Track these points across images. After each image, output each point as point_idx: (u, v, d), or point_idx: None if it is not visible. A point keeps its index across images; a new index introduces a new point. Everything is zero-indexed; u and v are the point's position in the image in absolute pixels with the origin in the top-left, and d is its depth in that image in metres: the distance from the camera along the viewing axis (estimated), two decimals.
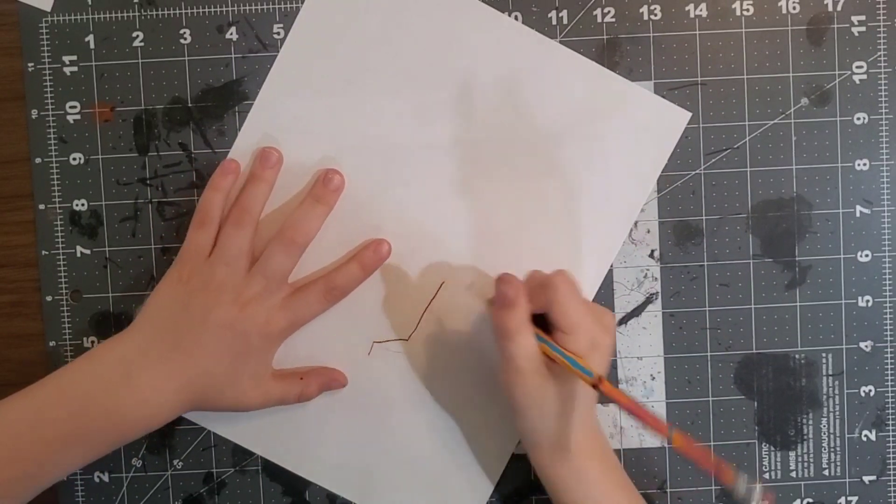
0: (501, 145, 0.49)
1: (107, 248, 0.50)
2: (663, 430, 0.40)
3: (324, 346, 0.49)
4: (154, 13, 0.50)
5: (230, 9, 0.50)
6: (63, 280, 0.50)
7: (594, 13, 0.50)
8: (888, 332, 0.51)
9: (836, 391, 0.51)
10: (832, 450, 0.51)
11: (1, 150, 0.50)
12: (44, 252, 0.50)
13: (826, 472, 0.51)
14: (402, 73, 0.49)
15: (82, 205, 0.50)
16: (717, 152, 0.50)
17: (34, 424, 0.42)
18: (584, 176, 0.49)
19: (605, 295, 0.50)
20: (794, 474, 0.51)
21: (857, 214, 0.50)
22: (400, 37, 0.49)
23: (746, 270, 0.50)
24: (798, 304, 0.50)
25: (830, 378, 0.51)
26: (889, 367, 0.51)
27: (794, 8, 0.50)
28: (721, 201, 0.50)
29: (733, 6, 0.50)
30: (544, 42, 0.49)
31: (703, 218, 0.50)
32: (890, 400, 0.51)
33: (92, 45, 0.50)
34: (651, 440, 0.51)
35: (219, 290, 0.45)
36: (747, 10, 0.50)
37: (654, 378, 0.51)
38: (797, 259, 0.50)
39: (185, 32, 0.50)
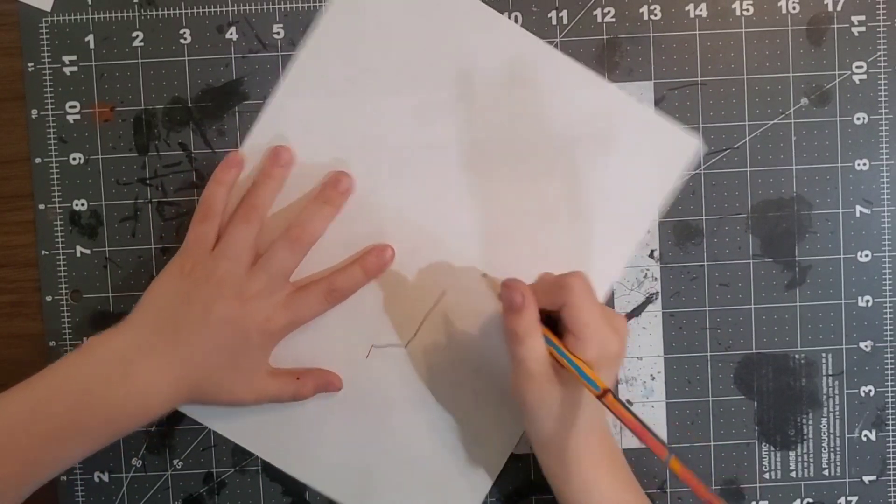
0: (508, 148, 0.49)
1: (107, 248, 0.50)
2: (662, 454, 0.39)
3: (323, 346, 0.49)
4: (154, 13, 0.50)
5: (230, 9, 0.50)
6: (63, 280, 0.50)
7: (594, 13, 0.50)
8: (888, 332, 0.51)
9: (836, 391, 0.51)
10: (832, 450, 0.51)
11: (1, 150, 0.50)
12: (44, 252, 0.50)
13: (826, 472, 0.51)
14: (414, 73, 0.49)
15: (82, 205, 0.50)
16: (717, 152, 0.50)
17: (30, 420, 0.42)
18: (589, 189, 0.49)
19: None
20: (794, 474, 0.51)
21: (857, 214, 0.50)
22: (411, 38, 0.49)
23: (746, 270, 0.50)
24: (798, 304, 0.50)
25: (830, 378, 0.51)
26: (889, 367, 0.51)
27: (794, 8, 0.50)
28: (721, 201, 0.50)
29: (733, 6, 0.50)
30: (561, 59, 0.49)
31: (703, 218, 0.50)
32: (890, 400, 0.51)
33: (92, 45, 0.50)
34: None
35: (221, 283, 0.45)
36: (747, 10, 0.50)
37: (654, 378, 0.51)
38: (797, 259, 0.50)
39: (185, 32, 0.50)
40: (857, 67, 0.50)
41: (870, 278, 0.50)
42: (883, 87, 0.50)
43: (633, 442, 0.51)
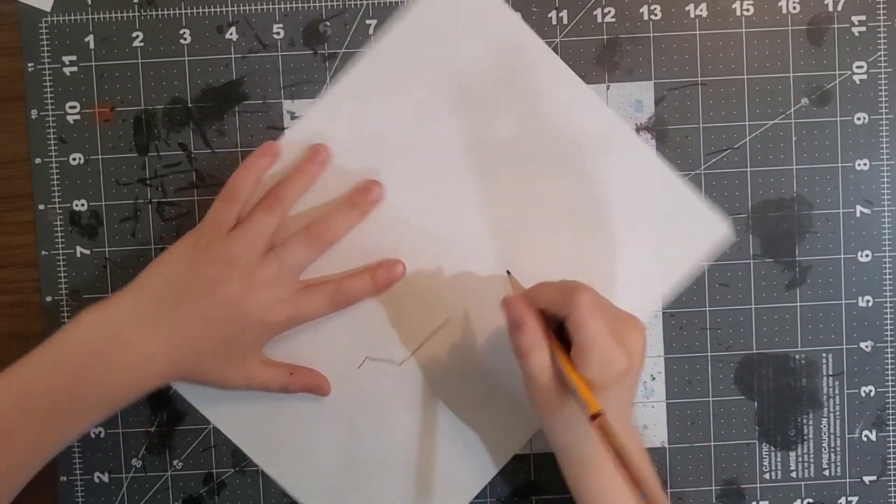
0: (529, 155, 0.49)
1: (107, 249, 0.50)
2: (636, 492, 0.38)
3: (319, 348, 0.49)
4: (154, 13, 0.50)
5: (230, 9, 0.50)
6: (63, 280, 0.50)
7: (594, 13, 0.50)
8: (888, 332, 0.50)
9: (837, 391, 0.51)
10: (832, 450, 0.51)
11: (1, 150, 0.50)
12: (44, 252, 0.50)
13: (826, 473, 0.51)
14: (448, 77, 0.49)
15: (82, 205, 0.50)
16: (717, 152, 0.50)
17: (26, 399, 0.42)
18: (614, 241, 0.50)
19: None
20: (794, 474, 0.51)
21: (858, 214, 0.50)
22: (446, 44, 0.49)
23: (746, 270, 0.50)
24: (798, 304, 0.50)
25: (831, 378, 0.51)
26: (889, 367, 0.51)
27: (795, 8, 0.50)
28: (721, 201, 0.50)
29: (733, 6, 0.50)
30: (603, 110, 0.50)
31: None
32: (890, 400, 0.51)
33: (92, 45, 0.50)
34: (651, 440, 0.51)
35: (230, 265, 0.45)
36: (747, 10, 0.50)
37: (654, 378, 0.50)
38: (797, 259, 0.50)
39: (184, 32, 0.50)
40: (857, 67, 0.50)
41: (870, 278, 0.50)
42: (883, 87, 0.50)
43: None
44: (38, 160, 0.50)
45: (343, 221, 0.48)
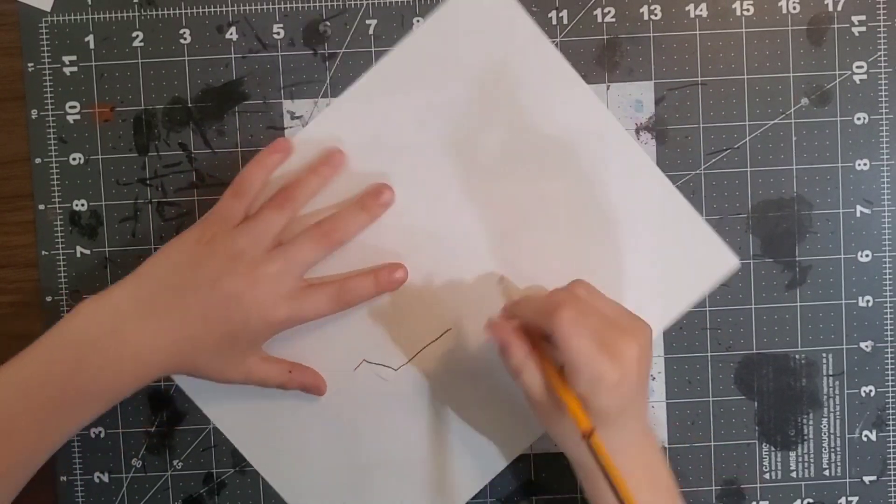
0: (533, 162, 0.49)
1: (107, 249, 0.50)
2: None
3: (317, 346, 0.49)
4: (154, 13, 0.50)
5: (230, 9, 0.50)
6: (63, 280, 0.50)
7: (594, 13, 0.50)
8: (888, 332, 0.50)
9: (837, 391, 0.51)
10: (832, 450, 0.51)
11: (1, 150, 0.50)
12: (44, 252, 0.50)
13: (826, 473, 0.51)
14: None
15: (82, 205, 0.50)
16: (717, 152, 0.50)
17: (26, 389, 0.42)
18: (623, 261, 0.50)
19: None
20: (794, 474, 0.51)
21: (858, 214, 0.50)
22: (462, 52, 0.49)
23: (746, 270, 0.50)
24: (798, 304, 0.50)
25: (831, 378, 0.51)
26: (889, 367, 0.51)
27: (795, 8, 0.50)
28: (721, 201, 0.50)
29: (733, 6, 0.50)
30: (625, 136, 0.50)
31: (704, 218, 0.50)
32: (890, 400, 0.51)
33: (92, 45, 0.50)
34: None
35: (235, 259, 0.44)
36: (747, 10, 0.50)
37: (654, 378, 0.50)
38: (797, 259, 0.50)
39: (184, 32, 0.50)
40: (857, 67, 0.50)
41: (870, 278, 0.50)
42: (883, 87, 0.50)
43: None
44: (38, 160, 0.50)
45: (352, 223, 0.48)
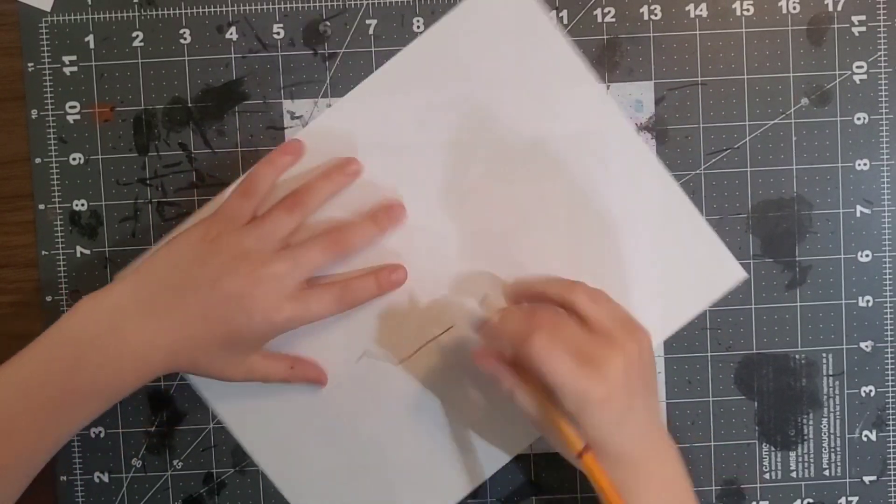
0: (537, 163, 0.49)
1: (107, 249, 0.50)
2: None
3: (319, 336, 0.49)
4: (154, 13, 0.50)
5: (230, 9, 0.50)
6: (63, 280, 0.50)
7: (594, 13, 0.50)
8: (888, 332, 0.50)
9: (837, 391, 0.51)
10: (832, 450, 0.51)
11: (1, 150, 0.50)
12: (44, 252, 0.50)
13: (826, 473, 0.51)
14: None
15: (82, 205, 0.50)
16: (717, 152, 0.50)
17: (24, 395, 0.41)
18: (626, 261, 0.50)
19: None
20: (794, 474, 0.51)
21: (858, 214, 0.50)
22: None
23: (746, 270, 0.50)
24: (798, 304, 0.50)
25: (831, 378, 0.51)
26: (889, 367, 0.51)
27: (795, 8, 0.50)
28: (721, 201, 0.50)
29: (733, 6, 0.50)
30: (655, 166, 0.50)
31: (704, 218, 0.50)
32: (890, 400, 0.51)
33: (92, 45, 0.50)
34: None
35: (240, 258, 0.44)
36: (747, 10, 0.50)
37: None
38: (797, 259, 0.50)
39: (184, 32, 0.50)
40: (857, 67, 0.50)
41: (870, 278, 0.50)
42: (883, 87, 0.50)
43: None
44: (38, 160, 0.50)
45: (362, 234, 0.47)
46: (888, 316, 0.50)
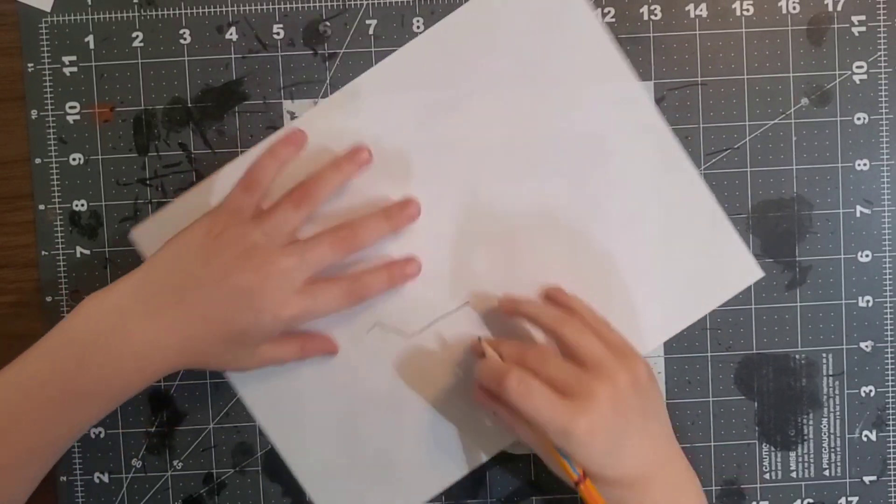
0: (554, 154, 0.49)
1: (107, 249, 0.50)
2: None
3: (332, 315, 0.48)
4: (154, 13, 0.50)
5: (230, 9, 0.50)
6: (63, 280, 0.50)
7: (594, 13, 0.50)
8: (888, 333, 0.50)
9: (837, 391, 0.51)
10: (832, 450, 0.51)
11: (1, 150, 0.50)
12: (44, 252, 0.50)
13: (826, 473, 0.51)
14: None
15: (82, 205, 0.50)
16: (717, 152, 0.50)
17: (30, 389, 0.41)
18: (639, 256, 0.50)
19: None
20: (794, 475, 0.51)
21: (858, 214, 0.50)
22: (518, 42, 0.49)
23: None
24: (798, 304, 0.50)
25: (831, 378, 0.51)
26: (889, 367, 0.51)
27: (794, 8, 0.50)
28: (721, 201, 0.50)
29: (733, 6, 0.50)
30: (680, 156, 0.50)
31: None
32: (890, 400, 0.51)
33: (92, 46, 0.50)
34: None
35: (247, 254, 0.42)
36: (747, 10, 0.50)
37: None
38: (797, 259, 0.50)
39: (184, 32, 0.50)
40: (857, 67, 0.50)
41: (870, 278, 0.50)
42: (883, 87, 0.50)
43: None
44: (38, 160, 0.50)
45: (373, 230, 0.46)
46: (888, 316, 0.50)
